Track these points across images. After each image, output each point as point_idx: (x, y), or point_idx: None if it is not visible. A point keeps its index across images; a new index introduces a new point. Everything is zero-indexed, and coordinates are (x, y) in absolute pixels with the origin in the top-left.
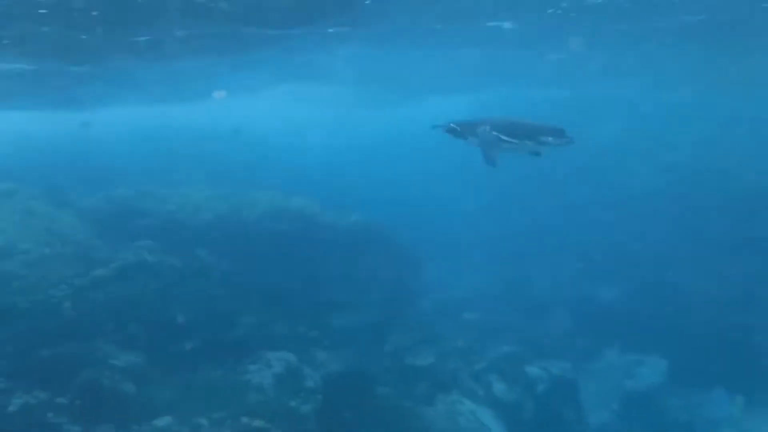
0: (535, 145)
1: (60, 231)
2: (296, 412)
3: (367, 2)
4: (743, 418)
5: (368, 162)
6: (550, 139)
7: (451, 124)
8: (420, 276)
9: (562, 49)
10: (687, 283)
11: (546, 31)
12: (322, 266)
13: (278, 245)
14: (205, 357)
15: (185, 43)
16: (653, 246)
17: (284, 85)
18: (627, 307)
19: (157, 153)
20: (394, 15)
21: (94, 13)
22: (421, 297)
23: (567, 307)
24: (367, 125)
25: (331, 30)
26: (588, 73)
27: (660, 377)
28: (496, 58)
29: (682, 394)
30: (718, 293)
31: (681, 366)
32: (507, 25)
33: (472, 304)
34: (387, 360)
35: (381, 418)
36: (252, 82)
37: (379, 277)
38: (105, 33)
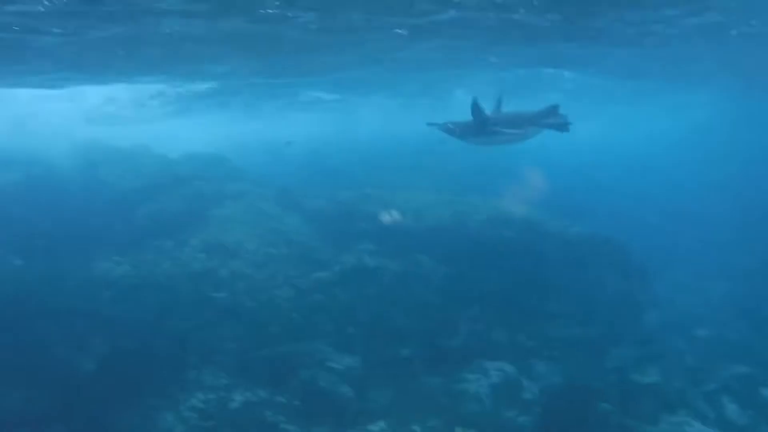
0: (538, 129)
1: (285, 232)
2: (512, 425)
3: None
4: None
5: (590, 168)
6: (550, 119)
7: (448, 124)
8: (648, 288)
9: None
10: None
11: None
12: (544, 275)
13: (500, 253)
14: (421, 363)
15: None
16: None
17: None
18: None
19: (386, 156)
20: None
21: None
22: (648, 310)
23: None
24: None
25: None
26: None
27: None
28: None
29: None
30: None
31: None
32: None
33: (703, 319)
34: (609, 375)
35: None
36: None
37: (603, 288)
38: None
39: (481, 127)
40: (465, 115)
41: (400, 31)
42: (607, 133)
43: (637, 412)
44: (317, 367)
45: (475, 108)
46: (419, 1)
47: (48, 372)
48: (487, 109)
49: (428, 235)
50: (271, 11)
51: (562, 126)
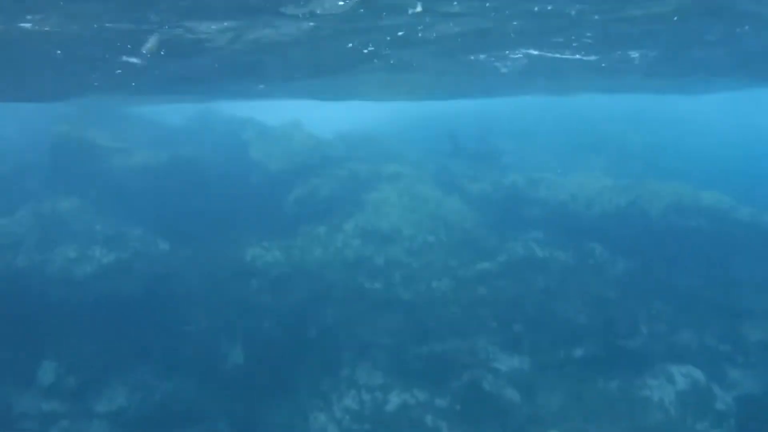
0: None
1: (445, 217)
2: None
3: None
4: None
5: None
6: None
7: None
8: None
9: None
10: None
11: None
12: (737, 270)
13: (685, 244)
14: (597, 365)
15: None
16: None
17: None
18: None
19: (551, 135)
20: None
21: None
22: None
23: None
24: None
25: None
26: None
27: None
28: None
29: None
30: None
31: None
32: None
33: None
34: None
35: None
36: None
37: None
38: None
39: None
40: None
41: None
42: None
43: None
44: (480, 368)
45: None
46: None
47: (196, 362)
48: None
49: (603, 223)
50: None
51: None
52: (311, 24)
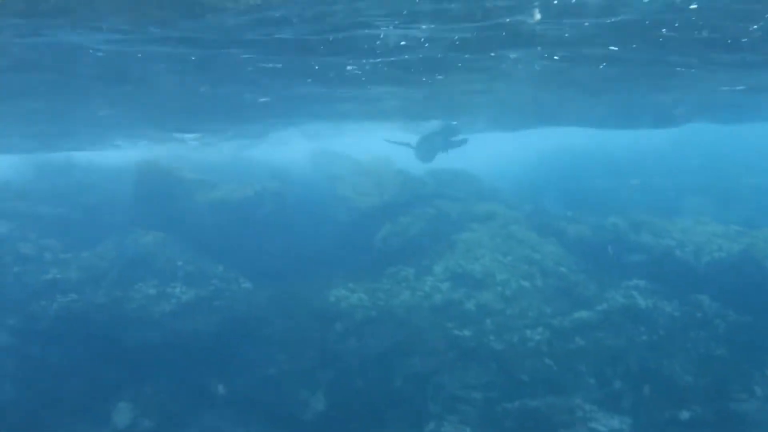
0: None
1: (541, 261)
2: None
3: None
4: None
5: None
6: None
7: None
8: None
9: None
10: None
11: None
12: None
13: None
14: (707, 429)
15: None
16: None
17: None
18: None
19: (657, 176)
20: None
21: None
22: None
23: None
24: None
25: None
26: None
27: None
28: None
29: None
30: None
31: None
32: None
33: None
34: None
35: None
36: None
37: None
38: None
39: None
40: None
41: None
42: None
43: None
44: (578, 427)
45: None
46: None
47: (276, 408)
48: None
49: (711, 272)
50: None
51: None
52: None
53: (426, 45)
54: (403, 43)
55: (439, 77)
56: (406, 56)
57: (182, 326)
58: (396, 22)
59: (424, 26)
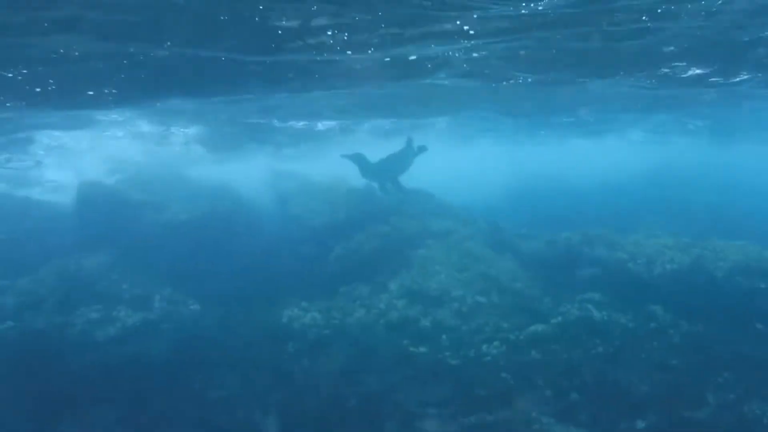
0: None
1: (497, 277)
2: None
3: None
4: None
5: None
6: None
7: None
8: None
9: None
10: None
11: None
12: None
13: (754, 308)
14: None
15: None
16: None
17: None
18: None
19: (606, 192)
20: None
21: None
22: None
23: None
24: None
25: None
26: None
27: None
28: None
29: None
30: None
31: None
32: None
33: None
34: None
35: None
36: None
37: None
38: None
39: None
40: None
41: None
42: None
43: None
44: None
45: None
46: None
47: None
48: None
49: (664, 284)
50: None
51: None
52: None
53: None
54: None
55: None
56: None
57: (127, 350)
58: None
59: None
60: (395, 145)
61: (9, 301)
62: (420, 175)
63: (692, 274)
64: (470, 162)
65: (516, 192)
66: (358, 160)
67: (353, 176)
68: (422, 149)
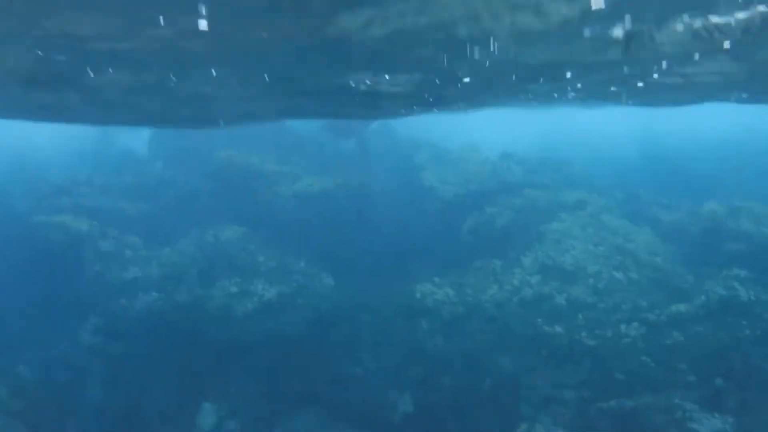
0: None
1: (634, 252)
2: None
3: None
4: None
5: None
6: None
7: None
8: None
9: None
10: None
11: None
12: None
13: None
14: None
15: None
16: None
17: None
18: None
19: (746, 155)
20: None
21: None
22: None
23: None
24: None
25: None
26: None
27: None
28: None
29: None
30: None
31: None
32: None
33: None
34: None
35: None
36: None
37: None
38: None
39: None
40: None
41: None
42: None
43: None
44: (677, 428)
45: None
46: None
47: (363, 409)
48: None
49: None
50: None
51: None
52: None
53: None
54: None
55: None
56: None
57: (265, 325)
58: None
59: None
60: None
61: (154, 272)
62: (552, 142)
63: None
64: (600, 123)
65: (650, 154)
66: None
67: (486, 146)
68: None
